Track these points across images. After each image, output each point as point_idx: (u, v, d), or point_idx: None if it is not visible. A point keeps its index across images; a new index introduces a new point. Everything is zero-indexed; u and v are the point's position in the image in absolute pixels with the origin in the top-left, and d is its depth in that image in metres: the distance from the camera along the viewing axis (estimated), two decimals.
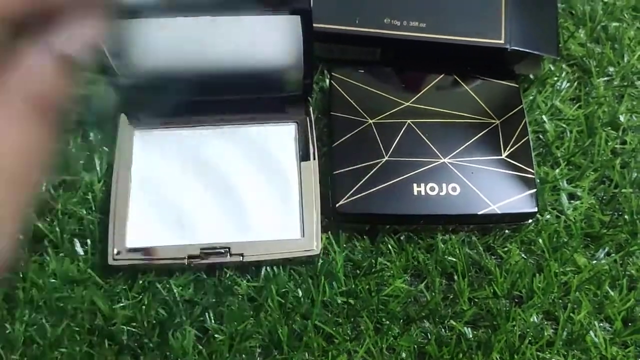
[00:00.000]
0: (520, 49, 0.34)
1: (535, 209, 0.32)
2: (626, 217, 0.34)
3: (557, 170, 0.36)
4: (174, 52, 0.31)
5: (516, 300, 0.33)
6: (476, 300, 0.33)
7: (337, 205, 0.31)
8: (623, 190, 0.35)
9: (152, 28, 0.29)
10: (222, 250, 0.30)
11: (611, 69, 0.39)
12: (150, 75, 0.33)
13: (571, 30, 0.39)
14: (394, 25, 0.35)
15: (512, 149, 0.33)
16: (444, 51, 0.35)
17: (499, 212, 0.31)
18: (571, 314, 0.32)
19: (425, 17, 0.35)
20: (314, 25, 0.31)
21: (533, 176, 0.33)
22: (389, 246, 0.33)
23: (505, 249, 0.34)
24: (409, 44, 0.34)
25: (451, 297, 0.33)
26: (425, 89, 0.35)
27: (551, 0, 0.36)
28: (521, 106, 0.34)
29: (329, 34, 0.35)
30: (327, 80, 0.38)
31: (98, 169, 0.34)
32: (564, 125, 0.37)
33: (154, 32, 0.29)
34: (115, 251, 0.30)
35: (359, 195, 0.32)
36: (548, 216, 0.34)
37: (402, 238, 0.34)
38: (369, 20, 0.35)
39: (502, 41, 0.34)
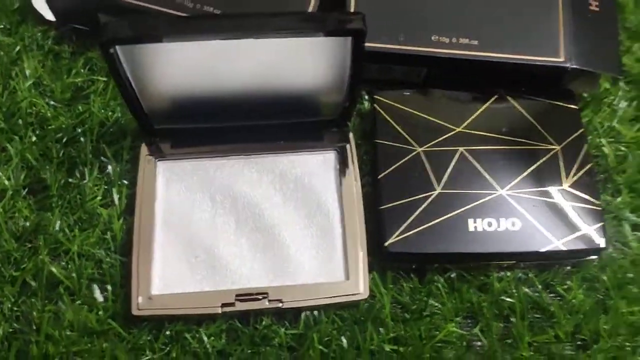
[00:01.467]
0: (582, 68, 0.32)
1: (604, 244, 0.29)
2: None
3: (619, 199, 0.33)
4: (201, 74, 0.28)
5: (579, 344, 0.30)
6: (536, 344, 0.30)
7: (385, 244, 0.28)
8: None
9: (179, 50, 0.26)
10: (259, 296, 0.27)
11: None
12: (176, 99, 0.30)
13: (627, 46, 0.37)
14: (443, 42, 0.32)
15: (574, 178, 0.30)
16: (497, 70, 0.32)
17: (564, 248, 0.28)
18: None
19: (478, 33, 0.32)
20: None
21: (600, 208, 0.30)
22: (439, 286, 0.30)
23: (566, 286, 0.31)
24: (460, 62, 0.31)
25: (509, 341, 0.30)
26: (477, 113, 0.32)
27: (611, 15, 0.33)
28: (582, 129, 0.31)
29: (370, 53, 0.31)
30: (366, 103, 0.35)
31: (117, 204, 0.30)
32: (624, 149, 0.34)
33: (181, 53, 0.26)
34: (140, 300, 0.27)
35: (410, 233, 0.28)
36: (611, 249, 0.32)
37: (452, 276, 0.31)
38: (415, 37, 0.32)
39: (562, 59, 0.31)
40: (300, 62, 0.27)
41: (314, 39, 0.25)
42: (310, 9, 0.32)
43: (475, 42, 0.31)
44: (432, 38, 0.32)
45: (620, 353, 0.29)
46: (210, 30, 0.24)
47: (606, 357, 0.29)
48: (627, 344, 0.29)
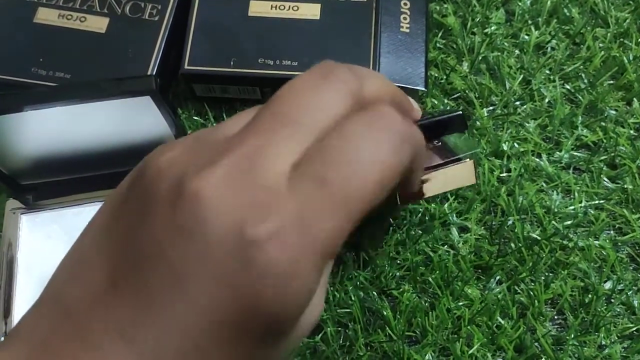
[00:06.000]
0: None
1: None
2: (512, 244, 0.35)
3: (446, 205, 0.37)
4: (54, 135, 0.32)
5: (407, 340, 0.33)
6: (372, 345, 0.33)
7: None
8: (510, 218, 0.36)
9: (24, 121, 0.30)
10: None
11: (494, 98, 0.40)
12: (36, 158, 0.33)
13: (451, 65, 0.41)
14: (268, 64, 0.36)
15: None
16: None
17: None
18: (465, 347, 0.33)
19: (297, 56, 0.37)
20: (194, 67, 0.37)
21: None
22: None
23: (400, 290, 0.35)
24: (283, 81, 0.36)
25: (347, 344, 0.33)
26: None
27: (420, 36, 0.38)
28: None
29: (208, 76, 0.37)
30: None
31: None
32: None
33: (26, 124, 0.30)
34: (2, 339, 0.30)
35: None
36: (440, 252, 0.35)
37: None
38: (244, 61, 0.37)
39: None
40: (124, 118, 0.31)
41: (124, 100, 0.29)
42: (149, 71, 0.36)
43: (296, 64, 0.37)
44: (259, 61, 0.37)
45: (447, 344, 0.33)
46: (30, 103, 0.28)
47: (433, 349, 0.33)
48: (455, 335, 0.33)
